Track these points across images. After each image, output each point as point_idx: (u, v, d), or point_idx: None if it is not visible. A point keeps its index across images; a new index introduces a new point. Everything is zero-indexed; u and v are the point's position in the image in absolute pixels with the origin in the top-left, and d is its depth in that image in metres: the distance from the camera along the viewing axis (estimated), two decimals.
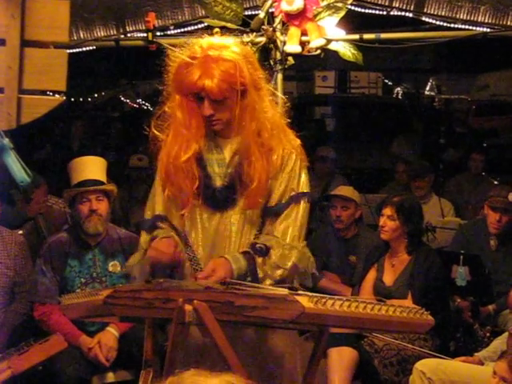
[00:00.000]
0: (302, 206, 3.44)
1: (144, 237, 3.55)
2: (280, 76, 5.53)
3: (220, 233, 3.43)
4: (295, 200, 3.42)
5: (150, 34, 5.67)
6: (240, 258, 3.30)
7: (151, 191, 3.63)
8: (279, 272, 3.31)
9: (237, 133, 3.42)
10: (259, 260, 3.30)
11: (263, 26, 5.39)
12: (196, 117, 3.38)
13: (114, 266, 5.19)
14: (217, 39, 3.40)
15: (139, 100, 18.80)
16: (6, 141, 3.97)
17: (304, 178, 3.47)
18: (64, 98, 3.84)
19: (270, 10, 5.44)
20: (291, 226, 3.40)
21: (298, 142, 3.50)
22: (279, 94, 3.57)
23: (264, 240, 3.37)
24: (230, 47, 3.33)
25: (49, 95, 4.60)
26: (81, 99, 15.63)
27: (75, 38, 5.97)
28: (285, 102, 3.61)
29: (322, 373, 4.87)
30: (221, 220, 3.43)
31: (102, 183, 5.12)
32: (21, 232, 5.95)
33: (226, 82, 3.25)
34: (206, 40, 3.37)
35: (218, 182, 3.43)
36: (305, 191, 3.46)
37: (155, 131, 3.50)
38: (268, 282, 3.29)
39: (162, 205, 3.53)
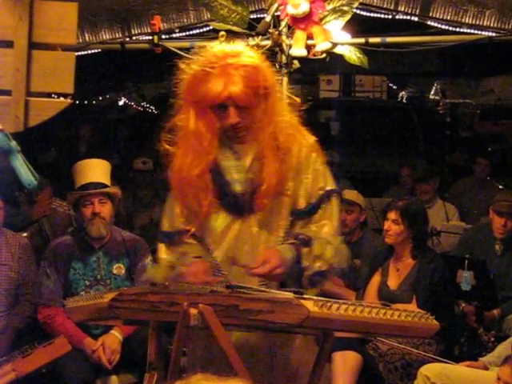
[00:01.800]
0: (334, 203, 3.45)
1: (164, 250, 3.54)
2: (285, 79, 5.52)
3: (241, 238, 3.41)
4: (325, 198, 3.43)
5: (155, 37, 5.67)
6: (288, 249, 3.31)
7: (167, 203, 3.59)
8: (318, 264, 3.32)
9: (253, 137, 3.38)
10: (305, 250, 3.32)
11: (269, 30, 5.39)
12: (211, 128, 3.33)
13: (118, 268, 5.18)
14: (228, 46, 3.36)
15: (144, 103, 18.79)
16: (14, 143, 3.97)
17: (328, 174, 3.48)
18: (71, 100, 3.84)
19: (276, 14, 5.44)
20: (327, 224, 3.41)
21: (313, 138, 3.48)
22: (293, 96, 3.55)
23: (304, 231, 3.38)
24: (246, 52, 3.30)
25: (53, 98, 4.60)
26: (85, 102, 15.62)
27: (80, 40, 5.97)
28: (299, 103, 3.59)
29: (327, 377, 4.86)
30: (242, 225, 3.41)
31: (105, 186, 5.11)
32: (25, 234, 5.94)
33: (250, 87, 3.22)
34: (218, 49, 3.32)
35: (238, 188, 3.40)
36: (333, 188, 3.47)
37: (165, 145, 3.45)
38: (308, 272, 3.31)
39: (181, 217, 3.50)
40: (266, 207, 3.38)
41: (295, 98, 3.55)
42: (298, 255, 3.31)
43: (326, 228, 3.40)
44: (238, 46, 3.40)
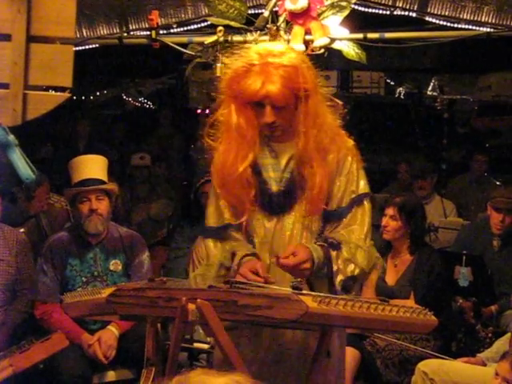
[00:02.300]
0: (365, 207, 3.41)
1: (212, 246, 3.48)
2: None
3: (276, 237, 3.39)
4: (357, 202, 3.40)
5: (153, 32, 5.66)
6: (318, 249, 3.27)
7: (212, 198, 3.55)
8: (350, 268, 3.30)
9: (292, 137, 3.36)
10: (333, 253, 3.28)
11: (267, 25, 5.38)
12: (252, 124, 3.32)
13: (115, 264, 5.18)
14: (272, 45, 3.37)
15: (141, 99, 18.80)
16: (11, 137, 3.96)
17: (362, 178, 3.44)
18: (70, 94, 3.82)
19: (274, 9, 5.43)
20: (357, 228, 3.37)
21: (352, 142, 3.46)
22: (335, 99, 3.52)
23: (334, 235, 3.35)
24: (288, 53, 3.28)
25: (51, 92, 4.58)
26: (83, 97, 15.62)
27: (78, 36, 5.95)
28: (341, 106, 3.55)
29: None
30: (277, 225, 3.39)
31: (102, 182, 5.10)
32: (23, 230, 5.94)
33: (289, 88, 3.20)
34: (262, 46, 3.33)
35: (274, 187, 3.39)
36: (366, 192, 3.43)
37: (208, 140, 3.43)
38: (340, 277, 3.28)
39: (230, 212, 3.47)
40: (321, 211, 3.37)
41: (337, 101, 3.51)
42: (328, 258, 3.28)
43: (356, 233, 3.36)
44: (282, 45, 3.44)
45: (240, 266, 3.28)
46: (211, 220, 3.52)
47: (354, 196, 3.39)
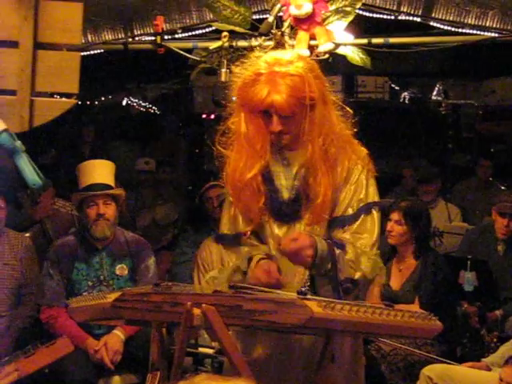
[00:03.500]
0: (374, 216, 3.40)
1: (224, 252, 3.54)
2: None
3: None
4: (365, 210, 3.39)
5: (158, 38, 5.67)
6: (322, 241, 3.25)
7: (226, 205, 3.58)
8: (351, 270, 3.28)
9: (303, 145, 3.37)
10: (337, 251, 3.26)
11: (272, 30, 5.39)
12: (262, 132, 3.33)
13: (121, 269, 5.19)
14: (280, 54, 3.37)
15: (146, 104, 18.80)
16: (19, 143, 3.98)
17: (372, 187, 3.43)
18: (76, 100, 3.84)
19: (279, 14, 5.44)
20: (366, 236, 3.37)
21: (365, 152, 3.46)
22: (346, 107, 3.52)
23: (340, 237, 3.34)
24: (296, 62, 3.28)
25: (56, 98, 4.60)
26: (88, 102, 15.62)
27: (83, 41, 5.97)
28: (351, 114, 3.54)
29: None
30: (288, 233, 3.38)
31: (109, 187, 5.12)
32: (28, 235, 5.95)
33: (295, 97, 3.21)
34: (270, 55, 3.34)
35: (286, 195, 3.41)
36: (374, 200, 3.42)
37: (220, 148, 3.45)
38: (340, 276, 3.26)
39: (243, 220, 3.49)
40: (324, 221, 3.37)
41: (347, 109, 3.51)
42: (332, 253, 3.25)
43: (362, 240, 3.35)
44: (291, 53, 3.40)
45: (256, 268, 3.30)
46: (226, 227, 3.54)
47: (362, 204, 3.39)
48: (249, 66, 3.33)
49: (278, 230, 3.42)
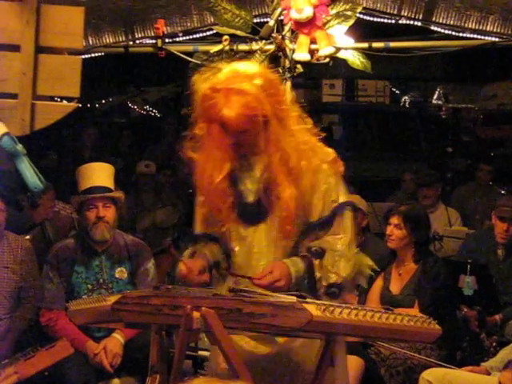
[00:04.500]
0: (347, 215, 3.49)
1: (187, 250, 3.65)
2: (289, 84, 5.53)
3: (254, 246, 3.50)
4: (339, 211, 3.47)
5: (159, 41, 5.69)
6: (298, 261, 3.39)
7: (197, 206, 3.70)
8: (333, 277, 3.39)
9: (266, 150, 3.44)
10: (316, 262, 3.39)
11: (272, 34, 5.41)
12: (222, 140, 3.41)
13: (120, 272, 5.18)
14: (242, 66, 3.43)
15: (147, 106, 18.82)
16: (20, 147, 3.98)
17: (342, 187, 3.52)
18: (78, 104, 3.85)
19: (280, 18, 5.45)
20: (341, 237, 3.45)
21: (332, 154, 3.52)
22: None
23: (318, 243, 3.44)
24: (253, 78, 3.34)
25: (57, 101, 4.61)
26: (88, 105, 15.64)
27: (84, 44, 5.98)
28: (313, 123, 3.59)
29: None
30: (255, 234, 3.49)
31: (109, 190, 5.12)
32: (28, 237, 5.95)
33: (246, 115, 3.29)
34: (230, 68, 3.40)
35: (251, 198, 3.49)
36: (346, 200, 3.51)
37: (189, 152, 3.53)
38: (323, 283, 3.38)
39: (202, 223, 3.65)
40: (291, 234, 3.45)
41: (309, 118, 3.55)
42: (310, 267, 3.38)
43: (339, 242, 3.45)
44: (252, 68, 3.45)
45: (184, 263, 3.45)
46: (198, 227, 3.68)
47: (335, 205, 3.47)
48: (208, 79, 3.41)
49: (243, 231, 3.52)
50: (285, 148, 3.40)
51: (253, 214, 3.48)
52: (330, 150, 3.53)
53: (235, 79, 3.33)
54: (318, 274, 3.38)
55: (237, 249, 3.53)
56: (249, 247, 3.50)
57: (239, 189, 3.51)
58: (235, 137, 3.35)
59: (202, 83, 3.41)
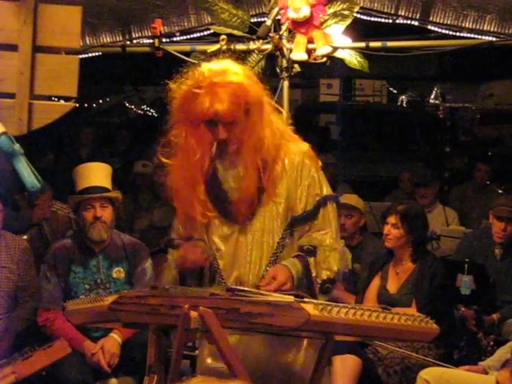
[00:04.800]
0: (331, 208, 3.56)
1: (173, 255, 3.67)
2: (286, 83, 5.54)
3: (240, 244, 3.53)
4: (322, 204, 3.53)
5: (156, 41, 5.68)
6: (296, 262, 3.43)
7: (176, 211, 3.71)
8: (326, 272, 3.45)
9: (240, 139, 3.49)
10: (311, 260, 3.45)
11: (270, 34, 5.40)
12: (202, 143, 3.47)
13: (117, 272, 5.18)
14: (215, 64, 3.47)
15: (144, 106, 18.83)
16: (17, 146, 3.98)
17: (324, 180, 3.58)
18: (75, 103, 3.86)
19: (277, 18, 5.45)
20: (327, 230, 3.52)
21: (306, 146, 3.58)
22: (285, 106, 3.63)
23: (308, 240, 3.50)
24: (232, 70, 3.41)
25: (54, 101, 4.61)
26: (85, 105, 15.65)
27: (81, 43, 5.98)
28: (287, 114, 3.65)
29: (326, 381, 4.86)
30: (240, 232, 3.53)
31: (106, 190, 5.11)
32: (25, 237, 5.94)
33: (236, 103, 3.34)
34: (205, 67, 3.45)
35: (234, 196, 3.51)
36: (329, 194, 3.57)
37: (162, 158, 3.58)
38: (318, 280, 3.43)
39: (183, 226, 3.67)
40: (243, 216, 3.49)
41: (281, 109, 3.62)
42: (306, 266, 3.43)
43: (327, 236, 3.51)
44: (224, 62, 3.49)
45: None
46: (175, 232, 3.72)
47: (318, 198, 3.53)
48: (185, 80, 3.45)
49: (227, 230, 3.55)
50: (259, 135, 3.44)
51: (238, 211, 3.50)
52: (305, 143, 3.59)
53: (216, 74, 3.37)
54: (313, 272, 3.43)
55: (223, 249, 3.55)
56: (235, 246, 3.52)
57: (222, 189, 3.53)
58: (226, 130, 3.39)
59: (179, 86, 3.45)
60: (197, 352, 5.05)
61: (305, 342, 3.50)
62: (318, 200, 3.52)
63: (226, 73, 3.38)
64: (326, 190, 3.56)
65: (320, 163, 3.60)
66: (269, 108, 3.52)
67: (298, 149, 3.54)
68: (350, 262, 3.67)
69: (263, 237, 3.50)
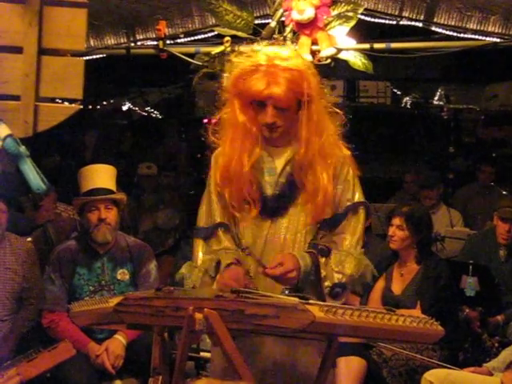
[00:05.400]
0: (360, 216, 3.50)
1: (201, 247, 3.57)
2: None
3: (269, 241, 3.46)
4: (352, 210, 3.48)
5: (161, 43, 5.69)
6: (306, 257, 3.35)
7: (205, 199, 3.61)
8: (338, 276, 3.38)
9: (289, 142, 3.45)
10: (322, 260, 3.38)
11: (274, 35, 5.40)
12: (255, 122, 3.39)
13: (122, 274, 5.18)
14: (279, 49, 3.42)
15: (148, 108, 18.82)
16: (23, 148, 3.99)
17: (358, 187, 3.52)
18: (81, 105, 3.85)
19: (281, 19, 5.45)
20: (349, 236, 3.45)
21: (349, 152, 3.54)
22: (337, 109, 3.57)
23: (325, 241, 3.44)
24: (295, 58, 3.37)
25: (58, 103, 4.62)
26: (89, 107, 15.65)
27: (85, 45, 5.98)
28: (341, 115, 3.56)
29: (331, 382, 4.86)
30: (271, 228, 3.46)
31: (111, 192, 5.12)
32: (30, 239, 5.94)
33: (293, 91, 3.29)
34: (271, 49, 3.40)
35: (269, 191, 3.46)
36: (361, 200, 3.51)
37: (213, 137, 3.52)
38: (327, 283, 3.36)
39: (221, 212, 3.54)
40: (328, 215, 3.45)
41: (337, 110, 3.54)
42: (316, 264, 3.36)
43: (346, 241, 3.45)
44: (289, 50, 3.48)
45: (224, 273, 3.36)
46: (202, 221, 3.60)
47: (349, 204, 3.48)
48: (248, 57, 3.38)
49: (259, 225, 3.46)
50: (323, 131, 3.40)
51: (271, 207, 3.44)
52: (348, 150, 3.54)
53: (278, 57, 3.32)
54: (323, 272, 3.36)
55: (249, 242, 3.47)
56: (263, 242, 3.46)
57: (258, 181, 3.46)
58: (275, 116, 3.32)
59: (240, 61, 3.38)
60: (202, 353, 5.07)
61: (310, 343, 3.48)
62: (348, 205, 3.47)
63: (288, 59, 3.32)
64: (358, 197, 3.50)
65: (358, 172, 3.55)
66: (321, 105, 3.45)
67: (340, 153, 3.49)
68: (371, 275, 3.55)
69: (295, 235, 3.44)
